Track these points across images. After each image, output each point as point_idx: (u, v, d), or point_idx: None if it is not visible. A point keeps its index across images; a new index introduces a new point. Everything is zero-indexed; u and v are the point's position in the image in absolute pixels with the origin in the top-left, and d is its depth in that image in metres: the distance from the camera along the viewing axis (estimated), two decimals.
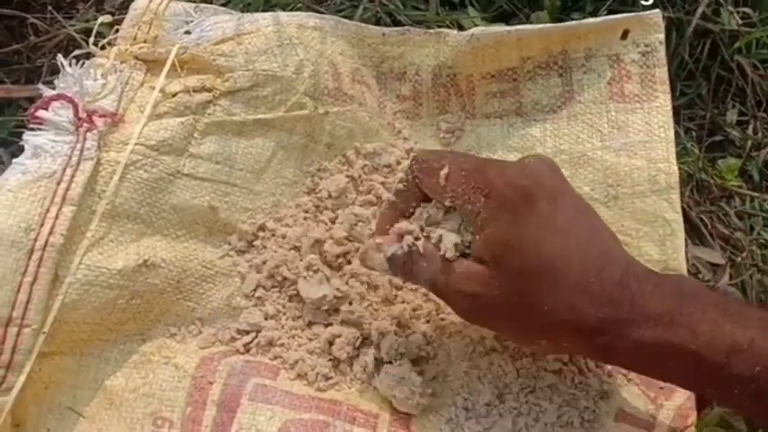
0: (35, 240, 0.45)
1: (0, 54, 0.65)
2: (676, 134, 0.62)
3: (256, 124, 0.53)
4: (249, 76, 0.53)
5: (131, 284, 0.48)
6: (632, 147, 0.56)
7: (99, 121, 0.49)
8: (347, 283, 0.53)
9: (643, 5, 0.65)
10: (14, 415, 0.45)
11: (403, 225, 0.46)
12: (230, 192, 0.53)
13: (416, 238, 0.45)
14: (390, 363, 0.51)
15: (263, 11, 0.61)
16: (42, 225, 0.45)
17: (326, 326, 0.52)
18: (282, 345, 0.51)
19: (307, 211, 0.55)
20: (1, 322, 0.43)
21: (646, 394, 0.51)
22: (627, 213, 0.55)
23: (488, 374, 0.50)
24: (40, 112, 0.48)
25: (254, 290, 0.53)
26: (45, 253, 0.45)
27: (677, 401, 0.51)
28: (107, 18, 0.55)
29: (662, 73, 0.56)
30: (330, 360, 0.51)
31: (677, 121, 0.65)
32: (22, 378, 0.44)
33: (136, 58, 0.53)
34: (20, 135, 0.49)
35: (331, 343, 0.52)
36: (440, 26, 0.63)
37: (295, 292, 0.52)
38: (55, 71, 0.53)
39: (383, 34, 0.58)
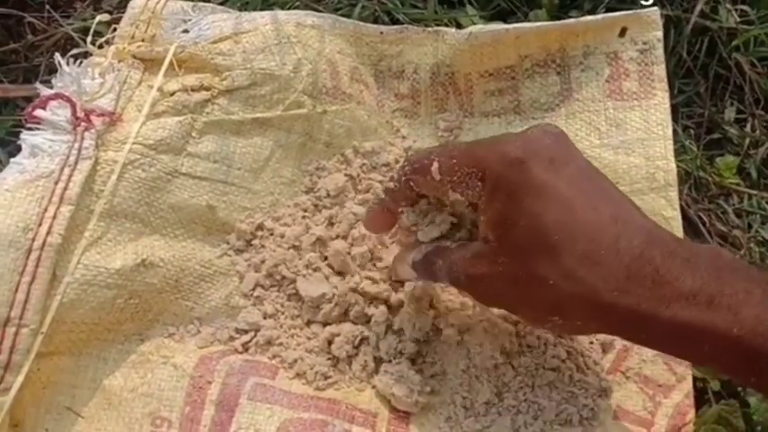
0: (33, 240, 0.44)
1: None
2: (674, 132, 0.62)
3: (254, 123, 0.53)
4: (247, 75, 0.52)
5: (129, 284, 0.48)
6: (630, 144, 0.56)
7: (97, 121, 0.49)
8: (347, 282, 0.53)
9: (642, 4, 0.65)
10: (13, 415, 0.45)
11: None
12: (228, 191, 0.52)
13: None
14: (389, 361, 0.51)
15: (261, 9, 0.61)
16: (40, 225, 0.45)
17: (325, 325, 0.52)
18: (281, 344, 0.51)
19: (305, 210, 0.55)
20: None
21: (644, 392, 0.51)
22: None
23: (487, 373, 0.50)
24: (38, 112, 0.48)
25: (253, 289, 0.52)
26: (43, 253, 0.44)
27: (675, 399, 0.51)
28: (105, 17, 0.55)
29: (660, 70, 0.56)
30: (329, 359, 0.51)
31: (675, 119, 0.65)
32: (21, 378, 0.44)
33: (134, 57, 0.52)
34: (17, 135, 0.48)
35: (330, 342, 0.52)
36: (438, 24, 0.63)
37: (294, 291, 0.52)
38: (52, 70, 0.53)
39: (381, 33, 0.58)
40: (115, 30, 0.54)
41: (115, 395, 0.48)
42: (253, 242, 0.53)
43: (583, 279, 0.38)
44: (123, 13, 0.56)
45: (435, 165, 0.42)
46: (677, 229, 0.55)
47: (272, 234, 0.54)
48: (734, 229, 0.63)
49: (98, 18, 0.54)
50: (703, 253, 0.39)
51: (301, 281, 0.52)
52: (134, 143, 0.49)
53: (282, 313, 0.52)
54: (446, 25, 0.63)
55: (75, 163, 0.47)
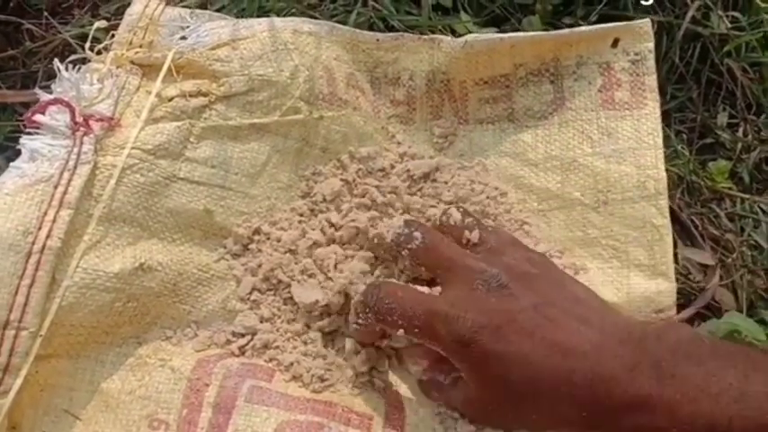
0: (33, 243, 0.45)
1: None
2: (667, 137, 0.63)
3: (252, 128, 0.54)
4: (245, 81, 0.53)
5: (128, 287, 0.48)
6: (622, 153, 0.57)
7: (96, 126, 0.49)
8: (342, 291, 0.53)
9: (643, 5, 0.66)
10: (11, 417, 0.45)
11: None
12: (226, 195, 0.53)
13: None
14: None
15: (258, 16, 0.62)
16: (40, 228, 0.45)
17: (320, 329, 0.53)
18: (277, 347, 0.52)
19: (302, 215, 0.55)
20: None
21: None
22: (616, 219, 0.56)
23: None
24: (37, 117, 0.48)
25: (250, 293, 0.53)
26: (43, 256, 0.45)
27: None
28: (103, 23, 0.55)
29: (651, 81, 0.57)
30: (325, 362, 0.52)
31: (668, 125, 0.65)
32: (19, 380, 0.44)
33: (132, 62, 0.53)
34: (16, 140, 0.49)
35: (326, 345, 0.52)
36: (432, 31, 0.63)
37: (290, 295, 0.53)
38: (51, 76, 0.53)
39: (377, 40, 0.59)
40: (113, 36, 0.55)
41: (113, 398, 0.48)
42: (250, 246, 0.54)
43: (555, 411, 0.45)
44: (121, 19, 0.56)
45: (401, 331, 0.47)
46: (667, 237, 0.56)
47: (268, 238, 0.54)
48: (726, 233, 0.63)
49: (96, 24, 0.54)
50: (647, 349, 0.44)
51: (296, 286, 0.53)
52: (132, 148, 0.49)
53: (279, 317, 0.53)
54: (440, 31, 0.64)
55: (75, 167, 0.47)
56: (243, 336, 0.52)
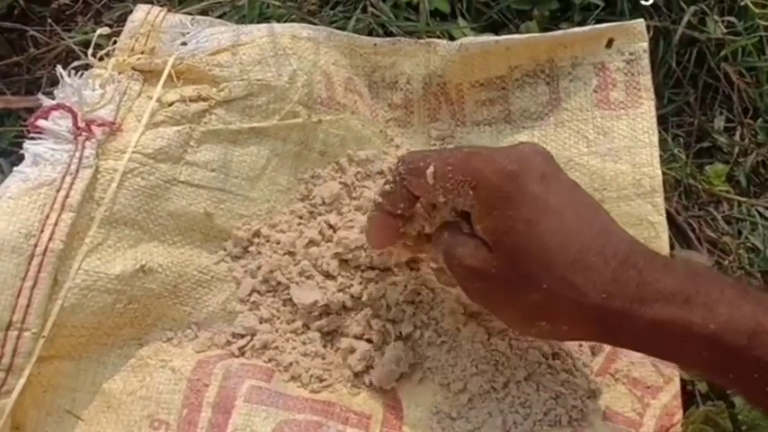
0: (35, 246, 0.46)
1: (0, 66, 0.66)
2: (665, 141, 0.64)
3: (251, 132, 0.54)
4: (244, 86, 0.54)
5: (129, 289, 0.49)
6: (617, 152, 0.57)
7: (97, 130, 0.50)
8: (340, 291, 0.54)
9: (640, 9, 0.66)
10: (14, 418, 0.46)
11: None
12: (226, 198, 0.53)
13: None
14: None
15: (258, 22, 0.62)
16: (42, 231, 0.46)
17: (319, 330, 0.53)
18: (277, 348, 0.52)
19: (301, 217, 0.56)
20: (1, 326, 0.44)
21: (633, 393, 0.52)
22: (613, 216, 0.56)
23: (477, 374, 0.51)
24: (40, 122, 0.49)
25: (249, 294, 0.53)
26: (45, 258, 0.46)
27: (663, 400, 0.52)
28: (105, 30, 0.56)
29: (646, 80, 0.58)
30: (324, 362, 0.52)
31: (665, 129, 0.66)
32: (22, 381, 0.45)
33: (133, 68, 0.54)
34: (20, 145, 0.50)
35: (325, 345, 0.53)
36: (430, 36, 0.64)
37: (289, 296, 0.53)
38: (54, 82, 0.54)
39: (375, 44, 0.59)
40: (115, 42, 0.55)
41: (114, 398, 0.48)
42: (249, 249, 0.54)
43: (573, 283, 0.40)
44: (123, 26, 0.57)
45: (431, 169, 0.44)
46: (663, 234, 0.56)
47: (268, 241, 0.54)
48: (723, 236, 0.64)
49: (99, 31, 0.55)
50: (680, 261, 0.42)
51: (294, 288, 0.53)
52: (133, 152, 0.50)
53: (278, 318, 0.53)
54: (438, 37, 0.64)
55: (77, 171, 0.48)
56: (242, 336, 0.52)
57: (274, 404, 0.49)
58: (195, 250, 0.53)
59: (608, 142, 0.57)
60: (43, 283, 0.45)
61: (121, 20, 0.64)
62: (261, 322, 0.53)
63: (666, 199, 0.59)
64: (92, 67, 0.53)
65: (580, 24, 0.66)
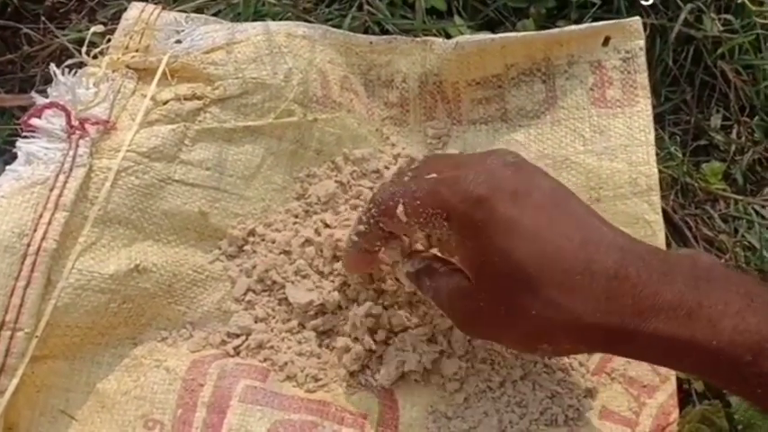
0: (28, 245, 0.45)
1: None
2: (661, 139, 0.63)
3: (246, 131, 0.54)
4: (239, 84, 0.53)
5: (123, 289, 0.49)
6: (614, 150, 0.57)
7: (91, 129, 0.49)
8: (336, 290, 0.54)
9: (636, 8, 0.66)
10: (7, 418, 0.45)
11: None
12: (220, 197, 0.53)
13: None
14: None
15: (253, 20, 0.62)
16: (35, 230, 0.46)
17: (315, 329, 0.53)
18: (272, 347, 0.52)
19: (296, 216, 0.56)
20: None
21: (629, 392, 0.52)
22: (609, 215, 0.55)
23: (473, 373, 0.51)
24: (33, 120, 0.49)
25: (245, 294, 0.53)
26: (38, 258, 0.45)
27: (660, 399, 0.51)
28: (99, 28, 0.55)
29: (642, 78, 0.57)
30: (319, 361, 0.52)
31: (662, 127, 0.66)
32: (15, 381, 0.44)
33: (127, 66, 0.53)
34: (13, 144, 0.49)
35: (320, 345, 0.52)
36: (426, 34, 0.64)
37: (284, 295, 0.53)
38: (48, 80, 0.53)
39: (370, 43, 0.59)
40: (109, 40, 0.55)
41: (108, 398, 0.48)
42: (244, 248, 0.54)
43: (563, 306, 0.38)
44: (117, 24, 0.57)
45: (400, 208, 0.43)
46: (659, 233, 0.56)
47: (263, 240, 0.54)
48: (720, 234, 0.64)
49: (93, 29, 0.55)
50: (680, 263, 0.39)
51: (290, 288, 0.53)
52: (128, 151, 0.50)
53: (273, 317, 0.53)
54: (435, 35, 0.64)
55: (70, 170, 0.48)
56: (238, 336, 0.52)
57: (269, 404, 0.48)
58: (190, 249, 0.53)
59: (604, 141, 0.57)
60: (36, 282, 0.45)
61: (116, 18, 0.64)
62: (256, 322, 0.52)
63: (663, 197, 0.59)
64: (86, 65, 0.53)
65: (577, 22, 0.66)
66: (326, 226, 0.55)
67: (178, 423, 0.47)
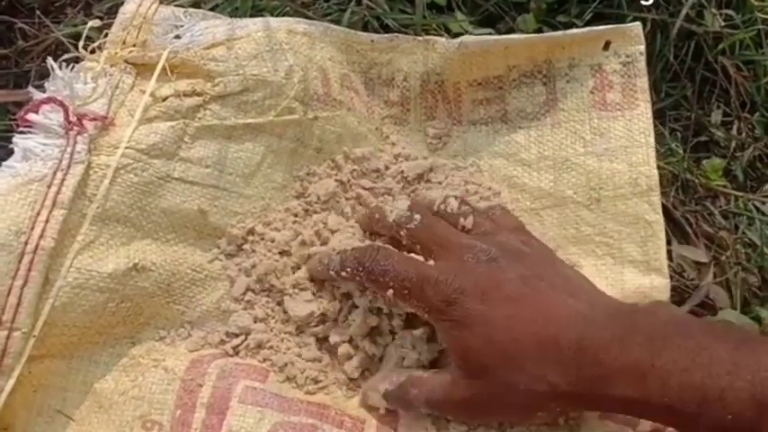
0: (26, 244, 0.45)
1: None
2: (662, 135, 0.63)
3: (246, 128, 0.53)
4: (239, 81, 0.53)
5: (121, 288, 0.48)
6: (614, 152, 0.57)
7: (89, 125, 0.49)
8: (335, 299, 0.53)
9: (637, 3, 0.66)
10: (3, 418, 0.45)
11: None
12: (220, 196, 0.53)
13: None
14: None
15: (251, 15, 0.62)
16: (33, 228, 0.45)
17: (315, 336, 0.53)
18: (272, 347, 0.52)
19: (296, 215, 0.55)
20: None
21: None
22: (609, 216, 0.56)
23: None
24: (30, 116, 0.48)
25: (244, 293, 0.53)
26: (36, 256, 0.45)
27: None
28: (96, 22, 0.55)
29: (642, 82, 0.57)
30: (319, 364, 0.52)
31: (662, 123, 0.66)
32: (12, 381, 0.44)
33: (126, 61, 0.52)
34: (8, 139, 0.48)
35: (320, 348, 0.52)
36: (426, 29, 0.63)
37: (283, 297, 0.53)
38: (43, 76, 0.53)
39: (372, 41, 0.59)
40: (106, 35, 0.54)
41: (106, 398, 0.48)
42: (244, 247, 0.54)
43: (544, 377, 0.44)
44: (114, 18, 0.56)
45: (390, 292, 0.48)
46: (659, 232, 0.56)
47: (262, 239, 0.54)
48: (720, 231, 0.64)
49: (90, 23, 0.54)
50: (639, 322, 0.43)
51: (288, 300, 0.52)
52: (126, 148, 0.49)
53: (273, 317, 0.53)
54: (435, 30, 0.64)
55: (68, 167, 0.47)
56: (237, 336, 0.52)
57: (269, 405, 0.48)
58: (189, 248, 0.52)
59: (604, 142, 0.57)
60: (34, 281, 0.44)
61: (112, 12, 0.63)
62: (255, 321, 0.52)
63: (663, 194, 0.59)
64: (82, 60, 0.52)
65: (577, 17, 0.66)
66: (326, 225, 0.54)
67: (177, 424, 0.47)
